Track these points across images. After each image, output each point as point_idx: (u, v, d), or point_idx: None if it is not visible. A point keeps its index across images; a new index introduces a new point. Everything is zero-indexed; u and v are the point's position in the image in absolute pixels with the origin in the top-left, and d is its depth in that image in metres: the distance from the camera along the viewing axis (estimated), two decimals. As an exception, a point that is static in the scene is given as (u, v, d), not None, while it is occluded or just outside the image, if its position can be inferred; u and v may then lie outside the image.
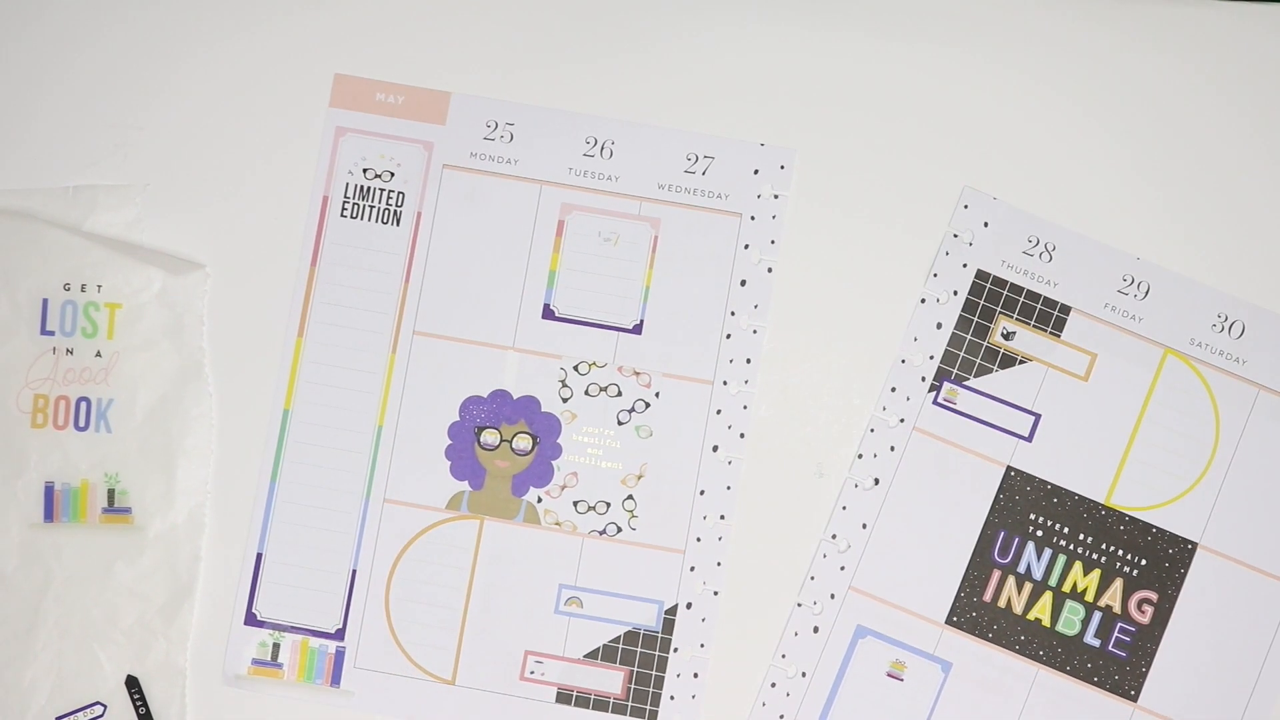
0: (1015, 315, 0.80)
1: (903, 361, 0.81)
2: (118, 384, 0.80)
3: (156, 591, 0.80)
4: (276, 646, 0.81)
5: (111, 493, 0.80)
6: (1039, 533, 0.80)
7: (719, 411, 0.81)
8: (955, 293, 0.81)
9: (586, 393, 0.81)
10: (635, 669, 0.80)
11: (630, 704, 0.80)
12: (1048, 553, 0.80)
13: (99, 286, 0.80)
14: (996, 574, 0.80)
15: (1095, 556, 0.80)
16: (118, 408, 0.80)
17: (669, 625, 0.80)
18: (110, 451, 0.80)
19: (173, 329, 0.80)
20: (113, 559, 0.79)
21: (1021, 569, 0.80)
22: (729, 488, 0.80)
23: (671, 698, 0.80)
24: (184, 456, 0.80)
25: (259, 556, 0.81)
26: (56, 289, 0.80)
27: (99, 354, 0.80)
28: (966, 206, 0.80)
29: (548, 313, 0.81)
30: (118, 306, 0.80)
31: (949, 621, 0.80)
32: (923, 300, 0.81)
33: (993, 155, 0.81)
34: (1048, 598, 0.80)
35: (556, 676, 0.81)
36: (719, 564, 0.80)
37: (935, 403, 0.80)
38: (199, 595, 0.81)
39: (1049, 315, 0.80)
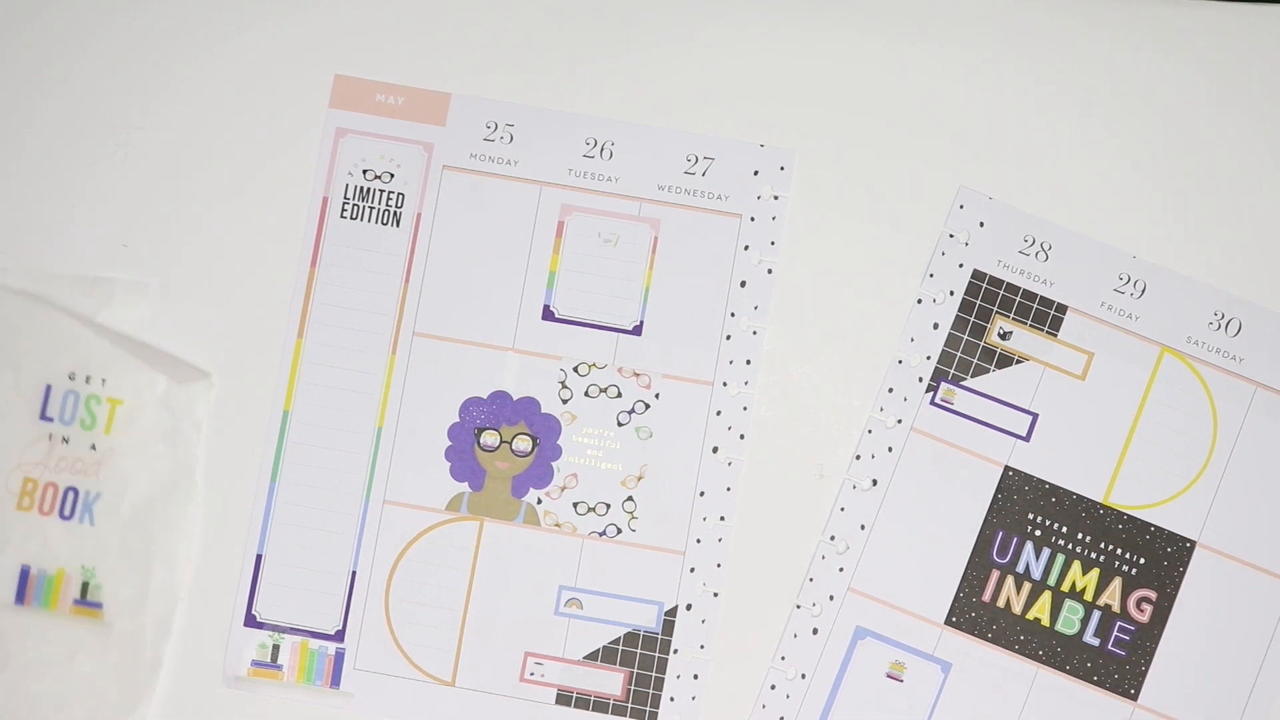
0: (1012, 315, 0.80)
1: (900, 362, 0.81)
2: (108, 479, 0.80)
3: (112, 690, 0.79)
4: (276, 648, 0.80)
5: (86, 585, 0.79)
6: (1037, 532, 0.80)
7: (719, 413, 0.81)
8: (952, 293, 0.81)
9: (586, 394, 0.81)
10: (635, 670, 0.80)
11: (630, 705, 0.80)
12: (1046, 552, 0.80)
13: (104, 380, 0.80)
14: (995, 574, 0.80)
15: (1094, 555, 0.80)
16: (104, 502, 0.79)
17: (669, 627, 0.80)
18: (90, 544, 0.79)
19: (170, 433, 0.80)
20: (75, 650, 0.79)
21: (1020, 569, 0.80)
22: (729, 489, 0.80)
23: (671, 699, 0.80)
24: (162, 561, 0.80)
25: (258, 558, 0.80)
26: (61, 377, 0.80)
27: (94, 447, 0.80)
28: (962, 206, 0.81)
29: (547, 314, 0.81)
30: (119, 403, 0.80)
31: (948, 622, 0.80)
32: (919, 301, 0.81)
33: (988, 155, 0.81)
34: (1047, 597, 0.80)
35: (556, 678, 0.80)
36: (719, 565, 0.80)
37: (933, 403, 0.80)
38: (154, 705, 0.80)
39: (1045, 314, 0.80)
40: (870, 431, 0.81)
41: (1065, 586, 0.80)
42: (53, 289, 0.81)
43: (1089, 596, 0.80)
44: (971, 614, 0.80)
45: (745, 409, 0.81)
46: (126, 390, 0.80)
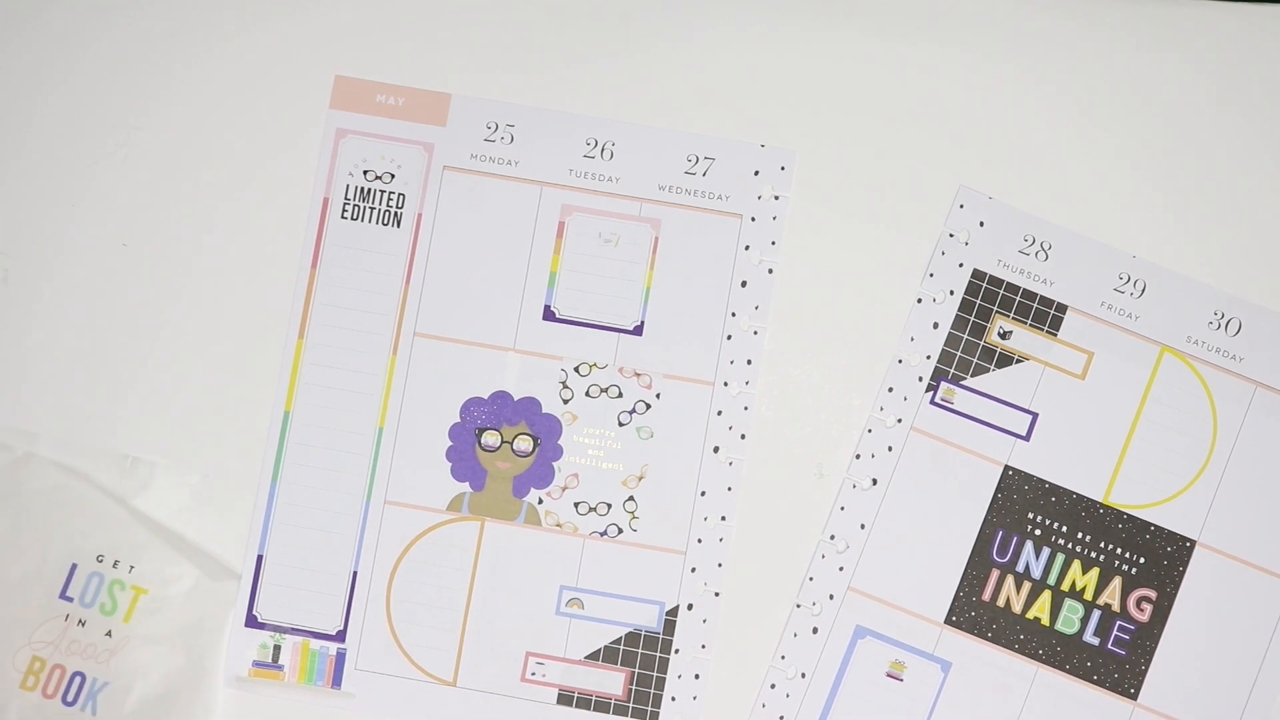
0: (1012, 314, 0.81)
1: (900, 362, 0.81)
2: (118, 669, 0.78)
3: None
4: (277, 648, 0.80)
5: None
6: (1037, 531, 0.80)
7: (720, 412, 0.81)
8: (952, 292, 0.81)
9: (587, 394, 0.81)
10: (636, 670, 0.80)
11: (631, 705, 0.80)
12: (1046, 551, 0.80)
13: (131, 567, 0.78)
14: (995, 573, 0.80)
15: (1094, 555, 0.80)
16: (110, 693, 0.78)
17: (670, 626, 0.80)
18: None
19: (190, 630, 0.79)
20: None
21: (1020, 568, 0.80)
22: (730, 489, 0.80)
23: (673, 699, 0.80)
24: None
25: (259, 558, 0.80)
26: (89, 558, 0.78)
27: (110, 633, 0.78)
28: (962, 206, 0.81)
29: (548, 314, 0.81)
30: (143, 592, 0.78)
31: (948, 621, 0.80)
32: (919, 300, 0.81)
33: (988, 155, 0.81)
34: (1046, 596, 0.80)
35: (557, 678, 0.80)
36: (720, 565, 0.80)
37: (933, 403, 0.81)
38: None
39: (1045, 314, 0.80)
40: (870, 431, 0.81)
41: (1065, 586, 0.80)
42: (92, 465, 0.79)
43: (1089, 596, 0.80)
44: (971, 613, 0.80)
45: (746, 409, 0.81)
46: (153, 580, 0.78)
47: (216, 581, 0.80)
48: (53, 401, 0.81)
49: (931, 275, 0.81)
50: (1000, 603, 0.80)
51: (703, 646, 0.80)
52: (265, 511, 0.81)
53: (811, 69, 0.81)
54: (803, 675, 0.80)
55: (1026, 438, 0.80)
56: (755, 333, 0.81)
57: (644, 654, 0.80)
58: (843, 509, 0.80)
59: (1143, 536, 0.80)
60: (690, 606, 0.80)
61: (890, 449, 0.80)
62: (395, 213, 0.81)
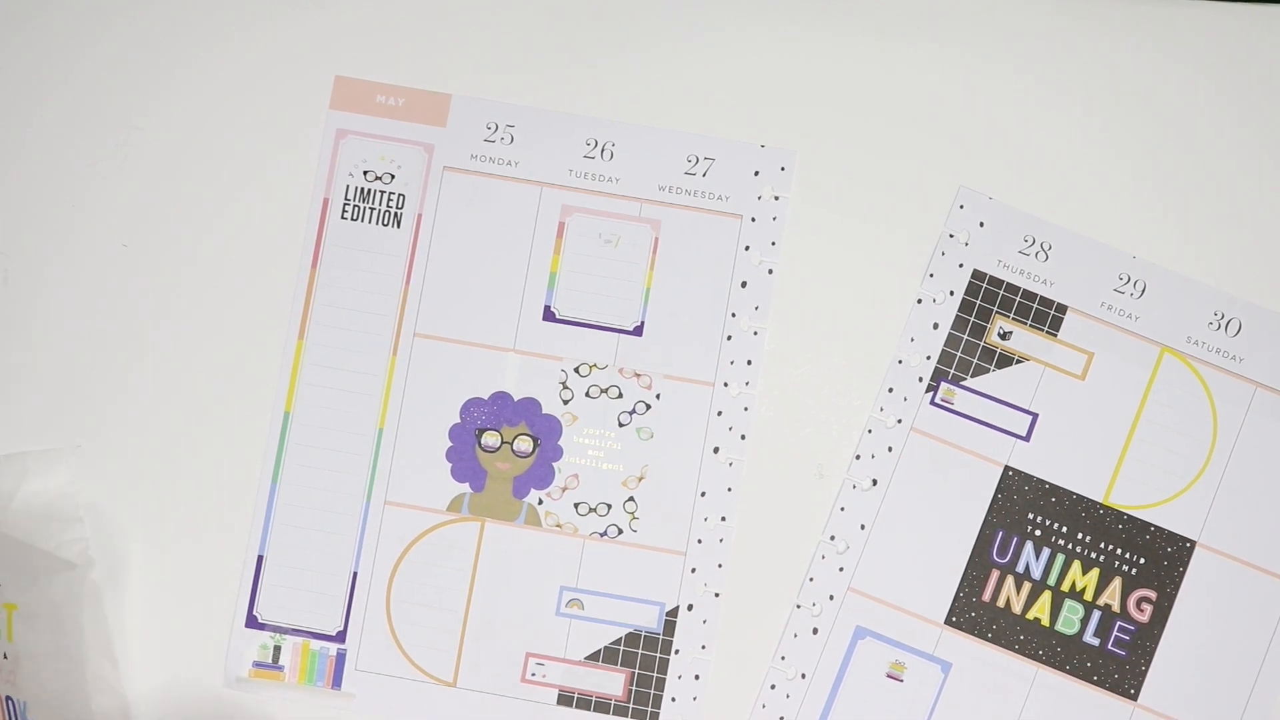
0: (1012, 315, 0.81)
1: (900, 362, 0.81)
2: (26, 687, 0.76)
3: None
4: (278, 649, 0.80)
5: None
6: (1037, 532, 0.80)
7: (720, 413, 0.81)
8: (951, 293, 0.81)
9: (587, 394, 0.81)
10: (636, 671, 0.80)
11: (631, 706, 0.80)
12: (1046, 552, 0.80)
13: (1, 584, 0.76)
14: (995, 574, 0.80)
15: (1094, 555, 0.80)
16: (33, 711, 0.76)
17: (670, 627, 0.80)
18: None
19: (69, 633, 0.77)
20: None
21: (1020, 568, 0.80)
22: (730, 489, 0.80)
23: (673, 699, 0.80)
24: None
25: (260, 559, 0.80)
26: None
27: (4, 655, 0.76)
28: (962, 207, 0.81)
29: (548, 314, 0.81)
30: (14, 608, 0.76)
31: (948, 622, 0.80)
32: (919, 301, 0.81)
33: (988, 155, 0.81)
34: (1047, 597, 0.80)
35: (558, 678, 0.80)
36: (720, 565, 0.80)
37: (933, 403, 0.81)
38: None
39: (1045, 314, 0.80)
40: (870, 431, 0.81)
41: (1065, 586, 0.80)
42: None
43: (1089, 596, 0.80)
44: (971, 614, 0.80)
45: (746, 409, 0.81)
46: (16, 596, 0.76)
47: (76, 579, 0.78)
48: (52, 402, 0.81)
49: (931, 276, 0.81)
50: (1000, 603, 0.80)
51: (703, 647, 0.80)
52: (265, 512, 0.81)
53: (811, 69, 0.81)
54: (803, 676, 0.80)
55: (1026, 438, 0.80)
56: (755, 333, 0.81)
57: (644, 654, 0.80)
58: (843, 509, 0.80)
59: (1143, 537, 0.80)
60: (690, 607, 0.80)
61: (890, 449, 0.80)
62: (395, 213, 0.81)
